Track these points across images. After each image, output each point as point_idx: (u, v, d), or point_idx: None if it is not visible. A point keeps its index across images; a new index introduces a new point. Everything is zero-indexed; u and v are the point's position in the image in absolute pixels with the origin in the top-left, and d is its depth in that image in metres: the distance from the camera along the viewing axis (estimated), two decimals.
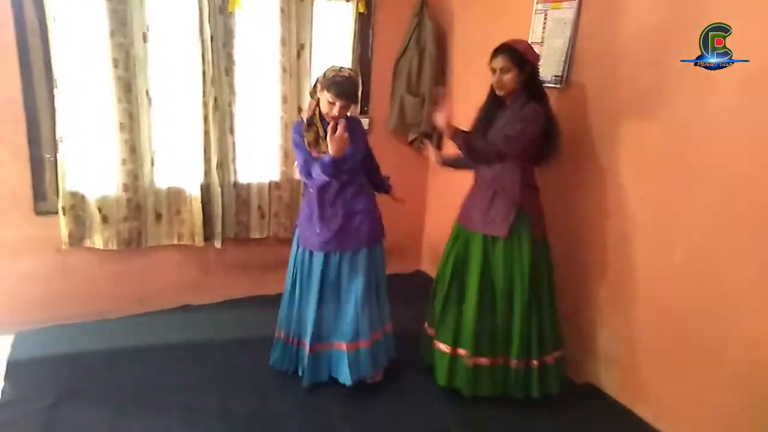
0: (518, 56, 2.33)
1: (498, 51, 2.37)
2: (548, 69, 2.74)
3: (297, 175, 2.50)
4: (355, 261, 2.49)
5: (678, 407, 2.29)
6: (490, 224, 2.43)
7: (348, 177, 2.43)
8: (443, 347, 2.55)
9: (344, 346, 2.48)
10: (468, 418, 2.44)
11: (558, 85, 2.69)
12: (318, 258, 2.47)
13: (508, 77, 2.34)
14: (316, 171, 2.30)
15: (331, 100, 2.25)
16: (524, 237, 2.42)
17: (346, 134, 2.21)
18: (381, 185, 2.70)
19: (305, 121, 2.39)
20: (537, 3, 2.79)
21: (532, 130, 2.31)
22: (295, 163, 2.48)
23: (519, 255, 2.42)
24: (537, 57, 2.44)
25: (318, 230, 2.45)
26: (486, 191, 2.46)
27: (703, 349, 2.18)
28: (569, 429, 2.41)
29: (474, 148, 2.34)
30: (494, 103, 2.46)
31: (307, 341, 2.50)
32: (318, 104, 2.35)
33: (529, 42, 2.81)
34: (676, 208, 2.24)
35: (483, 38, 2.90)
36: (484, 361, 2.49)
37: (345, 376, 2.48)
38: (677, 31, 2.18)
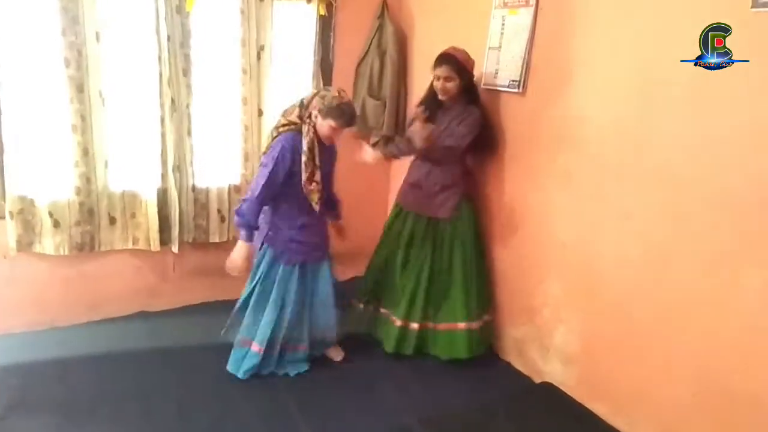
0: (459, 66, 2.65)
1: (442, 61, 2.67)
2: (506, 73, 2.79)
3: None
4: (321, 270, 2.67)
5: (633, 403, 2.36)
6: (438, 209, 2.83)
7: (324, 193, 2.56)
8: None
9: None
10: (428, 419, 2.44)
11: (516, 90, 2.74)
12: (295, 269, 2.60)
13: (450, 85, 2.67)
14: (243, 208, 2.40)
15: (335, 126, 2.37)
16: (468, 218, 2.86)
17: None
18: (334, 207, 2.78)
19: (306, 147, 2.38)
20: (495, 8, 2.83)
21: (472, 136, 2.71)
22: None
23: (462, 234, 2.86)
24: (473, 64, 2.74)
25: (300, 242, 2.55)
26: (433, 182, 2.82)
27: (656, 346, 2.25)
28: (527, 427, 2.45)
29: (436, 157, 2.77)
30: (434, 102, 2.78)
31: (302, 344, 2.69)
32: (314, 129, 2.40)
33: (488, 47, 2.88)
34: (631, 209, 2.30)
35: (442, 42, 2.93)
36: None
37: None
38: (630, 35, 2.25)
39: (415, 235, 2.91)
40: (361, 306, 3.08)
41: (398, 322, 2.87)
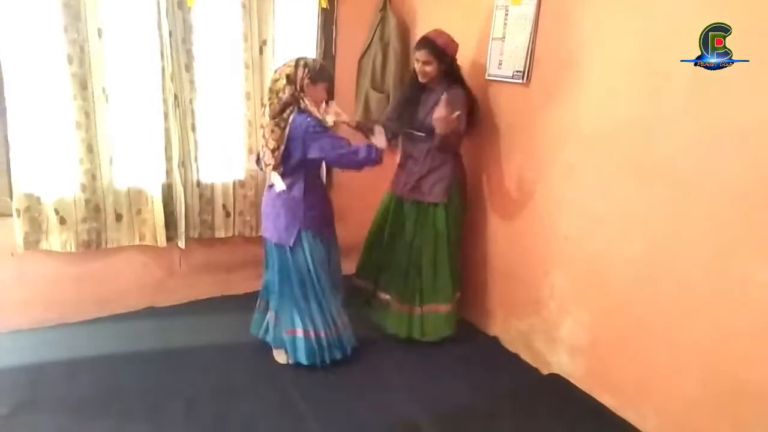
0: (438, 50, 2.68)
1: (421, 44, 2.72)
2: (510, 65, 2.77)
3: (280, 185, 2.46)
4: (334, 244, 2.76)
5: (640, 395, 2.35)
6: (428, 194, 2.86)
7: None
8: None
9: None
10: (436, 413, 2.45)
11: (520, 81, 2.72)
12: (323, 242, 2.63)
13: (429, 68, 2.72)
14: (364, 155, 2.42)
15: (326, 86, 2.48)
16: (456, 202, 2.90)
17: None
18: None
19: (317, 119, 2.40)
20: None
21: (464, 114, 2.70)
22: (273, 177, 2.46)
23: (448, 217, 2.88)
24: (455, 48, 2.74)
25: (327, 212, 2.65)
26: (421, 166, 2.86)
27: (663, 339, 2.24)
28: (535, 418, 2.45)
29: (451, 143, 2.76)
30: (417, 86, 2.84)
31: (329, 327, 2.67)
32: (302, 99, 2.39)
33: (492, 38, 2.85)
34: (636, 202, 2.29)
35: None
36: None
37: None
38: (635, 30, 2.23)
39: (405, 218, 2.96)
40: (363, 285, 3.16)
41: (405, 308, 2.98)
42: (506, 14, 2.77)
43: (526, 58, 2.67)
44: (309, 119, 2.37)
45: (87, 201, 2.85)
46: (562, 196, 2.63)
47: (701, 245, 2.07)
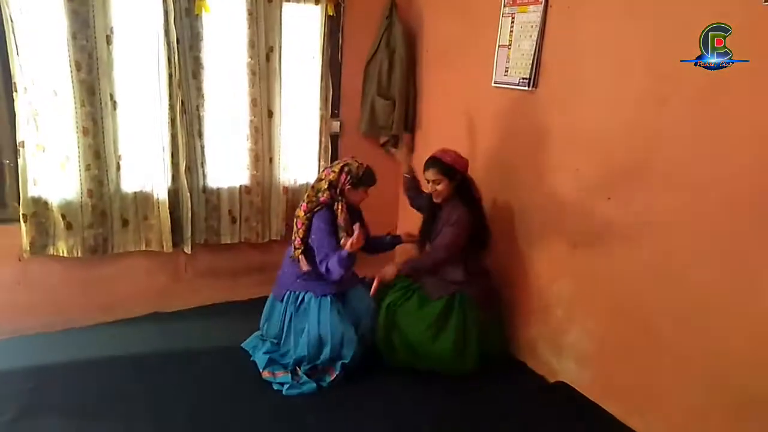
0: (446, 168, 2.61)
1: (428, 164, 2.65)
2: (516, 72, 2.77)
3: (305, 266, 2.69)
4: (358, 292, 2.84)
5: (648, 404, 2.33)
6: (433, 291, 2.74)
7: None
8: None
9: None
10: (441, 421, 2.44)
11: (526, 88, 2.72)
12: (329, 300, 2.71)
13: (440, 187, 2.64)
14: (334, 265, 2.53)
15: (367, 190, 2.71)
16: (469, 318, 2.70)
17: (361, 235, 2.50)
18: (389, 241, 3.06)
19: (342, 223, 2.63)
20: (504, 6, 2.82)
21: (462, 236, 2.64)
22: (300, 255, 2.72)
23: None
24: (464, 164, 2.69)
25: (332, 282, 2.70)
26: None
27: (671, 347, 2.22)
28: (541, 426, 2.43)
29: (428, 269, 2.71)
30: (432, 202, 2.75)
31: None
32: (339, 201, 2.65)
33: (498, 45, 2.86)
34: (645, 209, 2.28)
35: (452, 40, 2.93)
36: None
37: None
38: (640, 35, 2.22)
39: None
40: None
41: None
42: (512, 21, 2.77)
43: (533, 65, 2.67)
44: (328, 214, 2.64)
45: (94, 206, 2.86)
46: (569, 202, 2.62)
47: (712, 253, 2.05)
